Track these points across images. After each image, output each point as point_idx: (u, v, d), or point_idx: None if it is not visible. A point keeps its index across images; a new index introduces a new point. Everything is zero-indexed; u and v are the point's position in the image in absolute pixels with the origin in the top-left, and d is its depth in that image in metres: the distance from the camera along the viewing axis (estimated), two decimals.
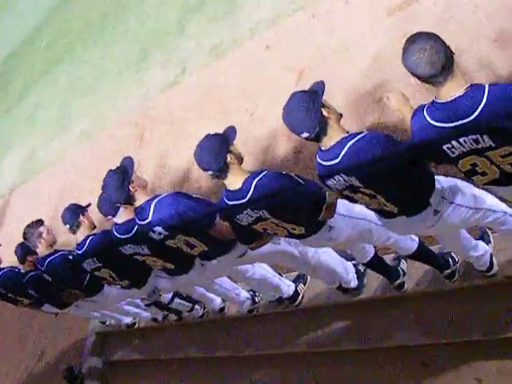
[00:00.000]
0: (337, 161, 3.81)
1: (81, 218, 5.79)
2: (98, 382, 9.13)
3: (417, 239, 4.89)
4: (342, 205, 4.46)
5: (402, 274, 5.38)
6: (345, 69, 7.49)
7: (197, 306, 7.43)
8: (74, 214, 5.84)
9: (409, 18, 7.13)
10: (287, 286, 6.21)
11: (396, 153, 3.70)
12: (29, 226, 6.25)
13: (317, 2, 8.59)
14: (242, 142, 8.20)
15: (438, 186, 4.00)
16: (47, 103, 15.89)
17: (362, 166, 3.75)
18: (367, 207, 4.20)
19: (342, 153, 3.78)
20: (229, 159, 4.20)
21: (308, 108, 3.80)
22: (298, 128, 3.84)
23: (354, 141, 3.76)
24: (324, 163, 3.91)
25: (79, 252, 5.81)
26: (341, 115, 3.95)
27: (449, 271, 5.08)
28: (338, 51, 7.77)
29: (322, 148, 3.91)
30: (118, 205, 5.19)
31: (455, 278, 5.09)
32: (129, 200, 5.01)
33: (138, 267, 5.77)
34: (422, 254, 5.02)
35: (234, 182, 4.28)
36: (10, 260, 7.13)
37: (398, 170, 3.77)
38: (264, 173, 4.29)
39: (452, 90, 3.32)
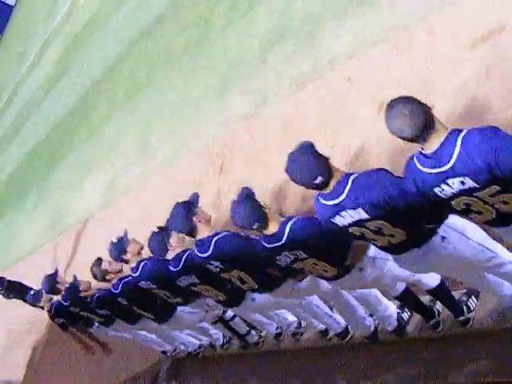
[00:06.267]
0: (342, 197, 4.12)
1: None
2: None
3: (439, 276, 5.10)
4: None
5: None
6: (426, 100, 7.39)
7: (253, 332, 7.49)
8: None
9: (494, 50, 7.02)
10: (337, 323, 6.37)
11: (399, 187, 4.00)
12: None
13: (399, 33, 8.53)
14: None
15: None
16: (128, 131, 16.23)
17: (367, 198, 4.07)
18: (374, 245, 4.48)
19: (347, 189, 4.10)
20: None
21: (314, 156, 4.17)
22: (310, 176, 4.13)
23: (355, 176, 4.15)
24: (327, 203, 4.22)
25: (134, 275, 6.31)
26: None
27: (462, 318, 5.27)
28: (420, 84, 7.68)
29: (324, 193, 4.22)
30: (181, 235, 5.64)
31: (469, 324, 5.27)
32: (192, 231, 5.43)
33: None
34: (442, 292, 5.25)
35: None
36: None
37: (403, 201, 4.01)
38: (295, 219, 4.74)
39: (436, 143, 3.64)
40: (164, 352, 9.12)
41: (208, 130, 11.96)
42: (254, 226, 4.70)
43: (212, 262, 5.41)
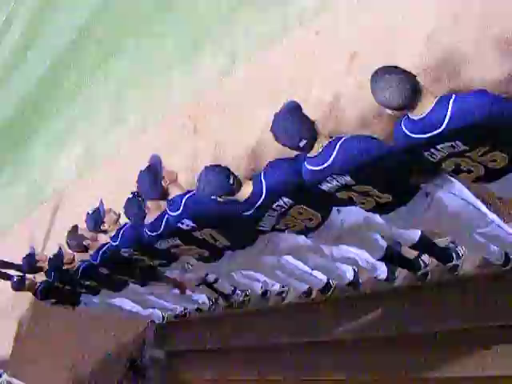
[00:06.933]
0: (329, 162, 4.06)
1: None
2: (161, 372, 9.27)
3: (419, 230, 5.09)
4: None
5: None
6: (396, 51, 7.39)
7: (238, 291, 7.52)
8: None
9: None
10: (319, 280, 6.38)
11: (386, 154, 3.99)
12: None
13: None
14: None
15: None
16: (100, 99, 16.07)
17: (354, 164, 4.02)
18: (362, 207, 4.44)
19: (334, 153, 4.04)
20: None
21: (300, 119, 4.06)
22: (294, 139, 4.04)
23: (342, 141, 4.05)
24: (314, 168, 4.15)
25: (114, 243, 6.19)
26: None
27: (451, 264, 5.31)
28: (389, 35, 7.67)
29: (311, 157, 4.14)
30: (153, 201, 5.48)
31: (458, 271, 5.31)
32: (164, 195, 5.32)
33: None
34: (425, 243, 5.23)
35: None
36: None
37: (390, 167, 4.04)
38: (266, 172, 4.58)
39: (423, 108, 3.64)
40: (152, 320, 9.13)
41: (180, 93, 11.90)
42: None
43: (183, 221, 5.30)
